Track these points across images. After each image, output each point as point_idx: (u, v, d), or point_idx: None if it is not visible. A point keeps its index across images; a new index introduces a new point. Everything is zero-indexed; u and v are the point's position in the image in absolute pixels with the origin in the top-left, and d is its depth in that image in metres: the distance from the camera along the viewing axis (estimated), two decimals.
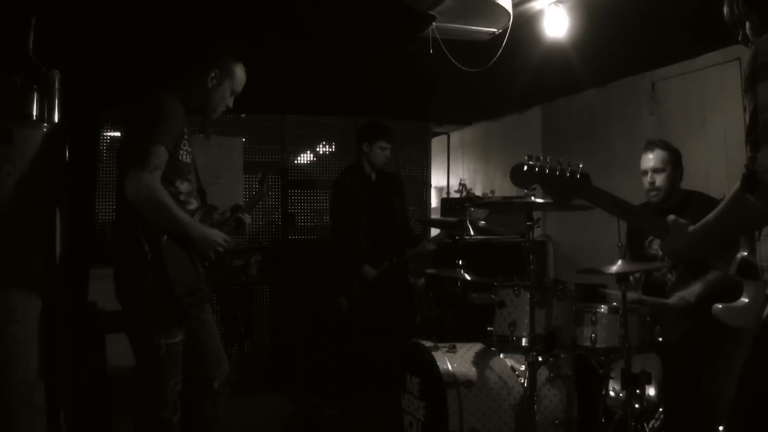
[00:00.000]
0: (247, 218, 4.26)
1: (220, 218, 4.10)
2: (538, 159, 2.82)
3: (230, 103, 4.00)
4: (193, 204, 3.85)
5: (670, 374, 4.45)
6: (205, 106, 3.93)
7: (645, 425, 4.31)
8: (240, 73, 3.97)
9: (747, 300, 2.78)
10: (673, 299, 4.59)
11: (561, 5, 5.30)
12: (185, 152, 3.76)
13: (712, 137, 6.23)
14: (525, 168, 2.83)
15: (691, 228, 2.57)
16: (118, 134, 7.65)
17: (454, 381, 4.23)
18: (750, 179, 2.18)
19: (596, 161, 6.22)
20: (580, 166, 2.82)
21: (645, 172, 4.94)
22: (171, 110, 3.64)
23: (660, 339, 4.32)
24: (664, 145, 4.96)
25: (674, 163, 4.91)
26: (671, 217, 2.68)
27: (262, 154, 8.64)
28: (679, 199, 4.91)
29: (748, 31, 2.54)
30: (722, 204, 2.35)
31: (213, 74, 3.84)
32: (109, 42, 5.39)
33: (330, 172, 8.61)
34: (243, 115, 8.44)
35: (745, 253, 2.76)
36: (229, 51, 3.94)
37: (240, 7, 5.04)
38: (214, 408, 3.94)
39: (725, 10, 2.62)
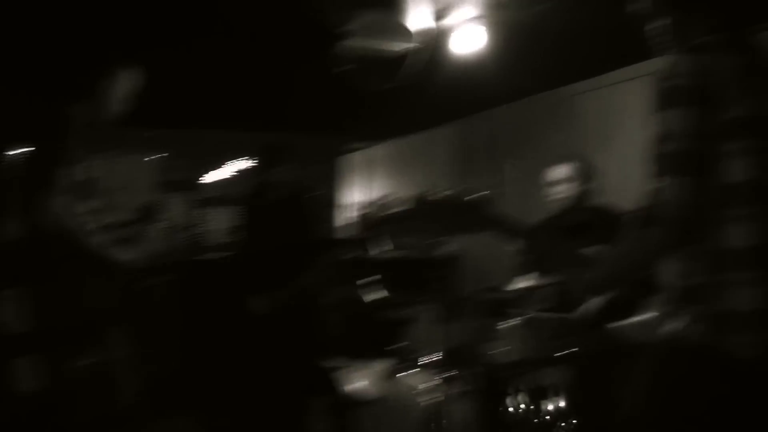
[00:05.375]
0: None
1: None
2: (437, 191, 2.83)
3: (127, 108, 3.80)
4: None
5: (579, 386, 4.50)
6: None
7: None
8: (135, 78, 3.79)
9: (647, 316, 2.82)
10: (577, 313, 4.62)
11: (474, 22, 5.35)
12: None
13: (627, 150, 6.31)
14: (426, 200, 2.84)
15: (596, 272, 2.63)
16: None
17: (361, 399, 4.22)
18: (650, 212, 2.21)
19: (510, 177, 6.28)
20: (481, 194, 2.84)
21: (553, 183, 5.00)
22: None
23: (567, 352, 4.36)
24: (575, 158, 5.02)
25: (584, 175, 4.97)
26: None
27: (177, 170, 8.51)
28: (589, 213, 4.98)
29: (657, 38, 2.56)
30: (626, 239, 2.38)
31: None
32: None
33: (244, 187, 8.52)
34: (157, 131, 8.31)
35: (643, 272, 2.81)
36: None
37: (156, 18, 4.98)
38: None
39: (635, 14, 2.63)
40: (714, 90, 2.19)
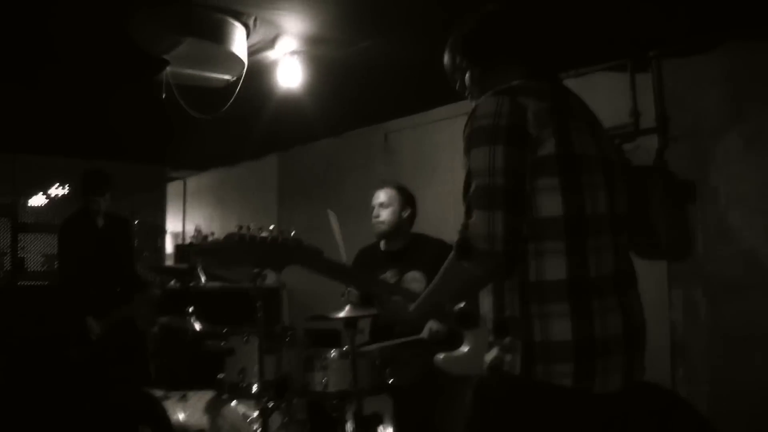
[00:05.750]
0: None
1: None
2: (248, 228, 2.86)
3: None
4: None
5: (403, 414, 4.56)
6: None
7: None
8: None
9: (467, 348, 2.89)
10: (425, 332, 4.65)
11: (295, 56, 5.40)
12: None
13: (441, 186, 6.48)
14: (237, 237, 2.85)
15: (411, 305, 2.66)
16: None
17: (186, 431, 4.15)
18: (463, 246, 2.25)
19: (331, 208, 6.32)
20: (292, 233, 2.87)
21: (373, 207, 5.09)
22: None
23: (390, 381, 4.42)
24: (395, 185, 5.13)
25: (402, 202, 5.06)
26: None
27: None
28: (407, 241, 5.09)
29: (467, 82, 2.66)
30: (440, 272, 2.41)
31: None
32: None
33: (64, 214, 8.24)
34: None
35: (462, 304, 2.88)
36: None
37: None
38: None
39: (446, 58, 2.72)
40: (523, 130, 2.26)
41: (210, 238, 3.22)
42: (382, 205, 5.05)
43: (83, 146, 8.08)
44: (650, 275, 4.69)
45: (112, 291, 6.03)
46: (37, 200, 8.66)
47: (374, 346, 4.66)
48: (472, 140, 2.32)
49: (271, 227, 2.85)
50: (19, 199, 8.38)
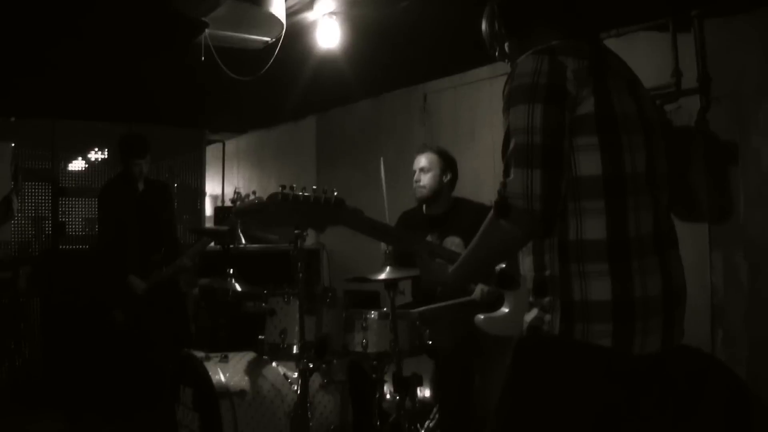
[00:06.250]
0: (16, 202, 3.99)
1: None
2: (292, 188, 2.85)
3: None
4: None
5: (443, 376, 4.58)
6: None
7: (419, 426, 4.41)
8: None
9: (507, 309, 2.90)
10: (476, 293, 4.64)
11: (334, 17, 5.38)
12: None
13: (481, 147, 6.46)
14: (280, 197, 2.85)
15: (451, 267, 2.64)
16: None
17: (226, 391, 4.20)
18: (502, 204, 2.25)
19: (369, 170, 6.32)
20: (335, 192, 2.87)
21: (414, 172, 5.09)
22: None
23: (430, 342, 4.44)
24: (436, 149, 5.14)
25: (443, 166, 5.08)
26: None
27: (32, 160, 8.23)
28: (448, 206, 5.10)
29: (506, 49, 2.64)
30: (479, 232, 2.39)
31: None
32: None
33: (103, 179, 8.27)
34: (12, 119, 8.03)
35: (503, 265, 2.88)
36: None
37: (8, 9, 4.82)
38: None
39: (483, 24, 2.70)
40: (562, 88, 2.26)
41: (251, 197, 3.20)
42: (423, 169, 5.06)
43: (121, 111, 8.11)
44: (691, 238, 4.68)
45: (153, 255, 6.08)
46: (77, 165, 8.71)
47: (421, 309, 4.67)
48: (511, 99, 2.31)
49: (314, 187, 2.85)
50: (59, 164, 8.43)
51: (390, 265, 4.25)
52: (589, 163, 2.27)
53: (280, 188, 2.86)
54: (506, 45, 2.63)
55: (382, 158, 4.67)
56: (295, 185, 2.87)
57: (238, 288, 4.77)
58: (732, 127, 4.75)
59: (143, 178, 6.17)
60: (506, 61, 2.66)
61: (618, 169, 2.28)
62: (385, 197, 4.64)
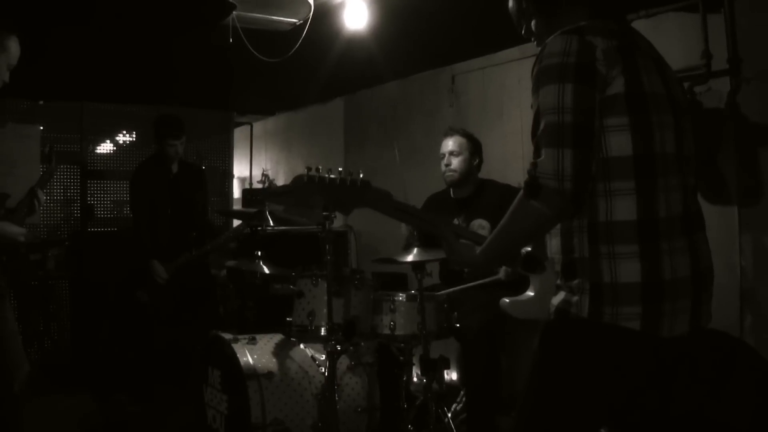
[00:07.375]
0: (42, 195, 4.02)
1: (13, 205, 3.87)
2: (318, 170, 2.84)
3: (6, 77, 3.68)
4: None
5: (470, 358, 4.58)
6: None
7: (446, 408, 4.42)
8: (14, 46, 3.67)
9: (533, 293, 2.89)
10: (501, 273, 4.61)
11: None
12: None
13: (509, 129, 6.42)
14: (306, 179, 2.85)
15: (479, 248, 2.61)
16: None
17: (254, 373, 4.21)
18: (532, 185, 2.23)
19: (398, 151, 6.32)
20: (361, 174, 2.86)
21: (443, 155, 5.08)
22: None
23: (458, 325, 4.44)
24: (464, 133, 5.12)
25: (471, 150, 5.07)
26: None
27: (61, 142, 8.25)
28: (475, 187, 5.09)
29: (533, 27, 2.62)
30: (508, 212, 2.37)
31: None
32: None
33: (131, 162, 8.31)
34: (41, 102, 8.07)
35: (529, 248, 2.87)
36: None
37: None
38: (14, 412, 3.70)
39: (510, 3, 2.67)
40: (592, 67, 2.24)
41: (279, 182, 3.22)
42: (452, 153, 5.05)
43: (149, 93, 8.14)
44: (720, 220, 4.63)
45: (185, 235, 6.10)
46: (105, 147, 8.74)
47: (448, 290, 4.66)
48: (540, 79, 2.29)
49: (340, 169, 2.85)
50: (87, 147, 8.46)
51: (417, 246, 4.25)
52: (619, 144, 2.25)
53: (306, 170, 2.85)
54: (533, 23, 2.60)
55: (395, 142, 4.66)
56: (321, 167, 2.86)
57: (266, 270, 4.77)
58: (763, 109, 4.70)
59: (178, 160, 6.19)
60: (533, 39, 2.63)
61: (648, 149, 2.27)
62: (403, 180, 4.62)
